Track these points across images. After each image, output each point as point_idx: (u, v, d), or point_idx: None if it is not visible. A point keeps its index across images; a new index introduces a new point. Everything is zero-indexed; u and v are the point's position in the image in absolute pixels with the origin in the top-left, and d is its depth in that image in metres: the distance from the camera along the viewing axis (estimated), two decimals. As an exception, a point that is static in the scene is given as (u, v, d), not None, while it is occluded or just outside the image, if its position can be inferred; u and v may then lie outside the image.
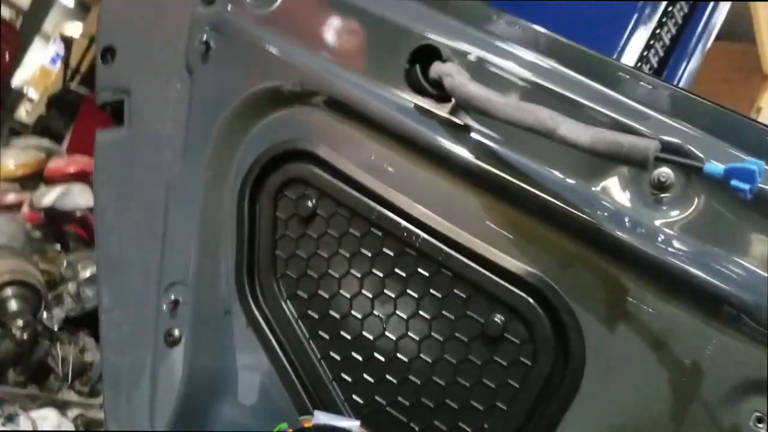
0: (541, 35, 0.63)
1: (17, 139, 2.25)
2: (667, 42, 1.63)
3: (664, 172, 0.56)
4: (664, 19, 1.52)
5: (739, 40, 2.68)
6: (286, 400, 0.69)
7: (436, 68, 0.61)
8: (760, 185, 0.45)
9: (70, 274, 1.81)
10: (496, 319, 0.61)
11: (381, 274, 0.66)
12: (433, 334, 0.64)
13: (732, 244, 0.54)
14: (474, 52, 0.63)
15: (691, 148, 0.55)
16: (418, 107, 0.64)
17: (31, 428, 1.47)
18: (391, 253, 0.65)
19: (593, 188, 0.59)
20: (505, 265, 0.60)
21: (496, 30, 0.64)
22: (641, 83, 0.59)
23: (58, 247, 1.95)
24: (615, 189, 0.58)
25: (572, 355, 0.58)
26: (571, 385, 0.58)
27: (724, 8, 1.77)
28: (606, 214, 0.57)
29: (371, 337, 0.66)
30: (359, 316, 0.67)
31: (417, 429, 0.64)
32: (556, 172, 0.60)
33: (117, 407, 0.75)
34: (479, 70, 0.62)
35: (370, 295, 0.66)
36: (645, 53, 1.74)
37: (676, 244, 0.55)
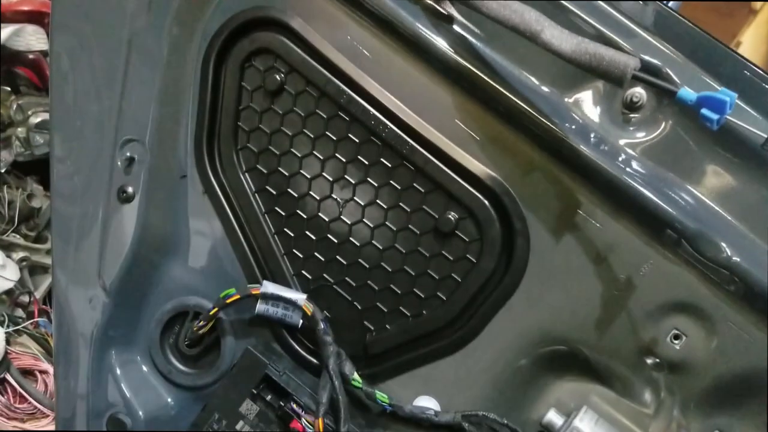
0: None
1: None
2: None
3: (638, 92, 0.57)
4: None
5: None
6: (237, 269, 0.71)
7: (427, -49, 0.58)
8: (727, 117, 0.45)
9: (20, 117, 1.73)
10: (449, 216, 0.62)
11: (344, 159, 0.66)
12: (387, 223, 0.65)
13: (688, 172, 0.56)
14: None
15: (669, 72, 0.55)
16: (403, -9, 0.61)
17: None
18: (356, 140, 0.65)
19: (566, 99, 0.59)
20: (467, 165, 0.61)
21: None
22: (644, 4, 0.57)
23: (8, 89, 1.85)
24: (587, 103, 0.59)
25: (516, 258, 0.61)
26: (510, 286, 0.61)
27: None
28: (573, 127, 0.58)
29: (327, 219, 0.67)
30: (317, 197, 0.67)
31: (359, 307, 0.67)
32: (533, 78, 0.59)
33: (65, 256, 0.75)
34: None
35: (331, 179, 0.66)
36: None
37: (635, 165, 0.57)
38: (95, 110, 0.72)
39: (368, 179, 0.65)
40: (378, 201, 0.65)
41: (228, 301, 0.66)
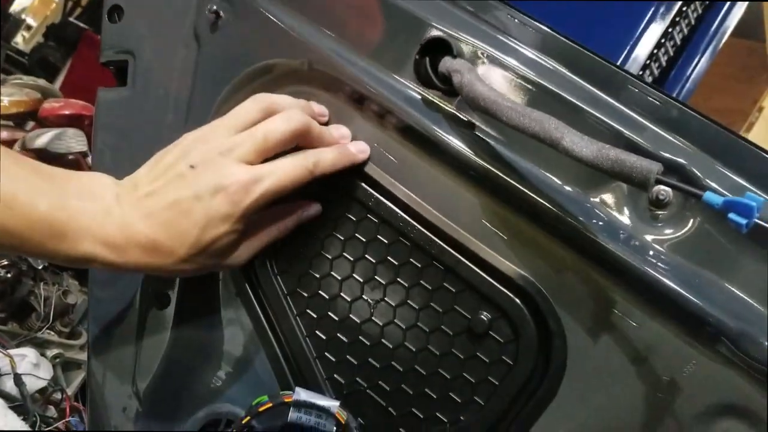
0: (550, 36, 0.63)
1: (13, 77, 2.21)
2: (678, 42, 1.62)
3: (663, 189, 0.57)
4: (677, 19, 1.51)
5: (750, 38, 2.66)
6: (269, 374, 0.70)
7: (446, 63, 0.61)
8: (756, 221, 0.45)
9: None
10: (482, 316, 0.62)
11: (373, 260, 0.66)
12: (419, 324, 0.65)
13: (723, 269, 0.55)
14: (485, 50, 0.62)
15: (694, 170, 0.56)
16: (425, 99, 0.64)
17: (8, 365, 1.47)
18: (386, 241, 0.66)
19: (591, 198, 0.59)
20: (498, 265, 0.61)
21: (508, 28, 0.64)
22: (648, 96, 0.59)
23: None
24: (613, 202, 0.59)
25: (554, 360, 0.59)
26: (549, 389, 0.60)
27: (738, 11, 1.76)
28: (601, 224, 0.58)
29: (358, 321, 0.67)
30: (348, 298, 0.67)
31: (394, 414, 0.65)
32: (556, 179, 0.60)
33: (101, 344, 0.76)
34: (489, 69, 0.62)
35: (361, 280, 0.67)
36: (655, 51, 1.73)
37: (665, 261, 0.56)
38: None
39: (398, 279, 0.66)
40: (409, 301, 0.65)
41: (260, 409, 0.65)
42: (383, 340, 0.66)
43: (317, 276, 0.69)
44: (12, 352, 1.50)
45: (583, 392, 0.59)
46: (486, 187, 0.61)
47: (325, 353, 0.68)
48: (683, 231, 0.57)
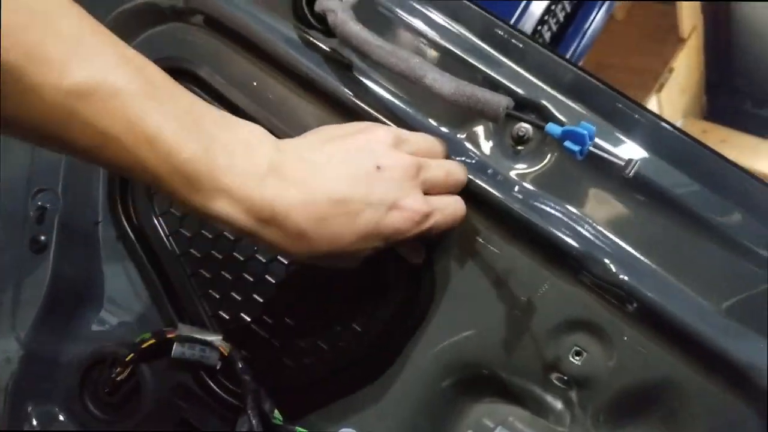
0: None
1: None
2: (561, 19, 1.72)
3: (523, 127, 0.61)
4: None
5: (664, 1, 2.79)
6: (155, 314, 0.71)
7: (321, 3, 0.62)
8: (591, 149, 0.50)
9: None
10: None
11: None
12: None
13: (572, 198, 0.60)
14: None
15: (551, 108, 0.60)
16: (303, 39, 0.65)
17: None
18: None
19: (460, 136, 0.63)
20: None
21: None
22: (513, 40, 0.62)
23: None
24: (479, 138, 0.63)
25: (422, 288, 0.63)
26: (419, 314, 0.64)
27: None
28: (467, 160, 0.62)
29: (242, 258, 0.68)
30: (231, 236, 0.68)
31: (278, 345, 0.68)
32: (430, 120, 0.63)
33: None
34: (366, 10, 0.64)
35: None
36: (553, 7, 1.79)
37: (524, 193, 0.61)
38: (8, 163, 0.72)
39: None
40: None
41: (143, 345, 0.66)
42: (266, 276, 0.68)
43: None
44: None
45: (451, 316, 0.63)
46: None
47: (210, 291, 0.69)
48: (541, 164, 0.61)
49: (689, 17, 2.77)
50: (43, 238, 0.71)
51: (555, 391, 0.64)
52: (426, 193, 0.54)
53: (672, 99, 2.87)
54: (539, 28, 1.74)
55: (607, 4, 2.00)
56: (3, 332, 0.72)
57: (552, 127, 0.49)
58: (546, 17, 1.76)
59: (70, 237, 0.72)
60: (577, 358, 0.62)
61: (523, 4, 1.60)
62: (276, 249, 0.50)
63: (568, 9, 1.85)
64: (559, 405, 0.64)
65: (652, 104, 2.71)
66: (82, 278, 0.72)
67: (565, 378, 0.63)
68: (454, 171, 0.57)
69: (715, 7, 2.87)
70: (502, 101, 0.51)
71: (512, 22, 1.64)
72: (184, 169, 0.44)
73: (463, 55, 0.62)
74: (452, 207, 0.56)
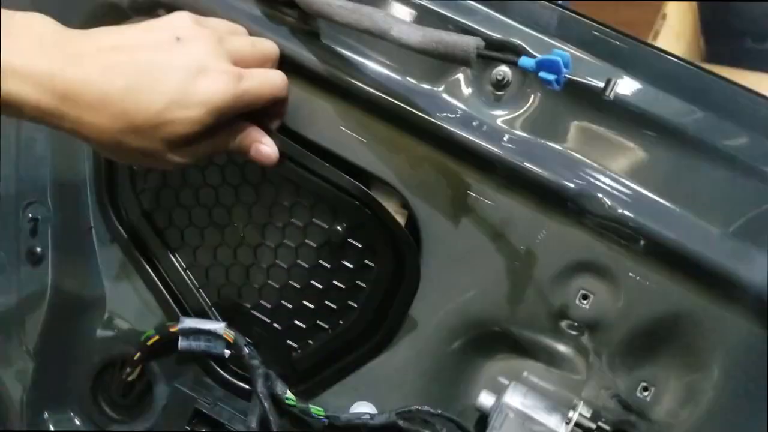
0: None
1: None
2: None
3: (502, 70, 0.59)
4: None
5: None
6: (157, 311, 0.71)
7: (280, -27, 0.61)
8: (568, 76, 0.48)
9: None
10: (338, 227, 0.64)
11: (233, 184, 0.67)
12: (285, 241, 0.66)
13: (560, 136, 0.58)
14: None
15: (523, 45, 0.57)
16: (266, 13, 0.63)
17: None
18: (239, 163, 0.66)
19: (436, 89, 0.61)
20: (333, 177, 0.62)
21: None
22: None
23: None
24: (458, 89, 0.61)
25: (410, 254, 0.62)
26: (412, 279, 0.63)
27: None
28: (449, 115, 0.60)
29: (232, 245, 0.68)
30: (219, 225, 0.68)
31: (279, 328, 0.67)
32: (406, 77, 0.61)
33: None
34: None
35: (227, 205, 0.67)
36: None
37: (512, 139, 0.59)
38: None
39: (259, 200, 0.66)
40: (273, 220, 0.66)
41: (149, 343, 0.66)
42: (258, 261, 0.67)
43: (186, 207, 0.68)
44: None
45: (448, 275, 0.62)
46: (336, 92, 0.62)
47: (206, 281, 0.69)
48: (525, 107, 0.59)
49: (676, -41, 2.69)
50: (39, 249, 0.71)
51: (567, 338, 0.62)
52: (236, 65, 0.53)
53: (669, 46, 2.80)
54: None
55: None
56: (12, 347, 0.72)
57: (525, 60, 0.47)
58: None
59: (66, 245, 0.71)
60: (585, 301, 0.60)
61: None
62: (82, 128, 0.47)
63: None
64: (572, 353, 0.63)
65: (649, 54, 2.64)
66: (82, 284, 0.72)
67: (575, 324, 0.61)
68: (260, 42, 0.57)
69: (702, -56, 2.79)
70: (470, 41, 0.49)
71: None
72: None
73: (429, 5, 0.60)
74: (266, 75, 0.56)
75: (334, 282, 0.65)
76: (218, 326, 0.65)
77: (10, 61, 0.43)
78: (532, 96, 0.59)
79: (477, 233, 0.61)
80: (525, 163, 0.58)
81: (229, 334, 0.65)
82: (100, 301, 0.72)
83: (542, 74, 0.46)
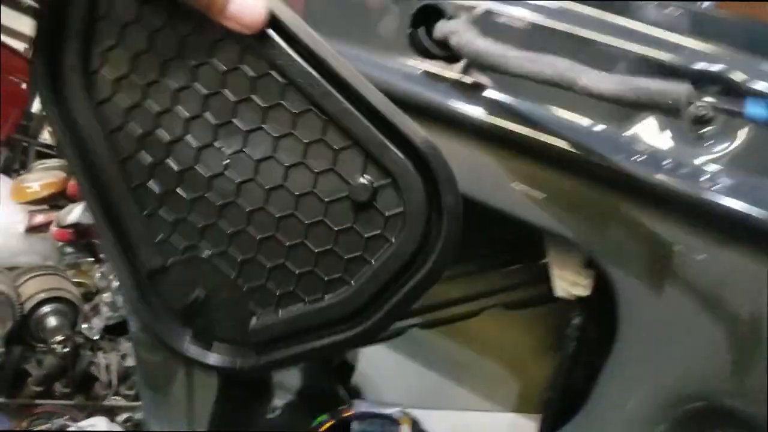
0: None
1: (39, 162, 2.30)
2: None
3: (702, 105, 0.52)
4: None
5: None
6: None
7: (441, 27, 0.57)
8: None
9: (104, 284, 1.81)
10: (364, 180, 0.49)
11: (233, 97, 0.49)
12: (286, 184, 0.50)
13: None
14: (479, 5, 0.58)
15: (732, 78, 0.50)
16: (426, 73, 0.60)
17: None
18: (253, 73, 0.48)
19: (625, 133, 0.54)
20: (397, 122, 0.48)
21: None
22: (664, 10, 0.54)
23: (90, 259, 1.97)
24: (650, 131, 0.54)
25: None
26: (433, 272, 0.49)
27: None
28: (642, 158, 0.53)
29: (205, 173, 0.51)
30: (194, 144, 0.51)
31: (243, 287, 0.52)
32: (582, 121, 0.55)
33: (156, 406, 0.74)
34: (487, 23, 0.58)
35: (214, 121, 0.50)
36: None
37: (720, 180, 0.51)
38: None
39: (264, 126, 0.49)
40: (276, 156, 0.50)
41: (322, 429, 0.62)
42: (238, 201, 0.51)
43: (154, 109, 0.50)
44: (83, 424, 1.51)
45: (651, 345, 0.54)
46: (510, 146, 0.57)
47: (159, 210, 0.52)
48: (736, 143, 0.51)
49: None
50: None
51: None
52: None
53: None
54: None
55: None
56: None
57: (754, 110, 0.39)
58: None
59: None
60: None
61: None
62: None
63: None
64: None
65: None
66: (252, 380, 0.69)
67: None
68: None
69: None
70: (681, 90, 0.42)
71: None
72: None
73: (605, 39, 0.54)
74: None
75: (335, 248, 0.51)
76: (394, 410, 0.60)
77: None
78: (739, 130, 0.51)
79: (688, 296, 0.52)
80: (741, 206, 0.49)
81: (407, 419, 0.60)
82: (268, 389, 0.69)
83: None
